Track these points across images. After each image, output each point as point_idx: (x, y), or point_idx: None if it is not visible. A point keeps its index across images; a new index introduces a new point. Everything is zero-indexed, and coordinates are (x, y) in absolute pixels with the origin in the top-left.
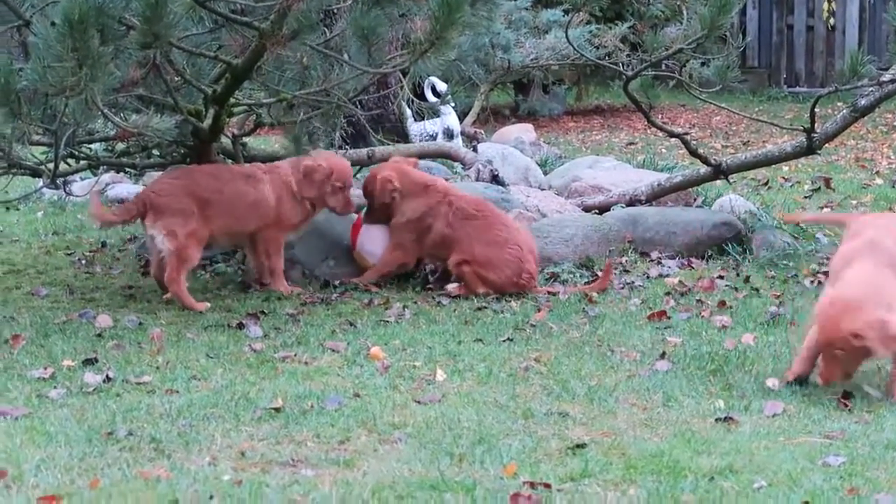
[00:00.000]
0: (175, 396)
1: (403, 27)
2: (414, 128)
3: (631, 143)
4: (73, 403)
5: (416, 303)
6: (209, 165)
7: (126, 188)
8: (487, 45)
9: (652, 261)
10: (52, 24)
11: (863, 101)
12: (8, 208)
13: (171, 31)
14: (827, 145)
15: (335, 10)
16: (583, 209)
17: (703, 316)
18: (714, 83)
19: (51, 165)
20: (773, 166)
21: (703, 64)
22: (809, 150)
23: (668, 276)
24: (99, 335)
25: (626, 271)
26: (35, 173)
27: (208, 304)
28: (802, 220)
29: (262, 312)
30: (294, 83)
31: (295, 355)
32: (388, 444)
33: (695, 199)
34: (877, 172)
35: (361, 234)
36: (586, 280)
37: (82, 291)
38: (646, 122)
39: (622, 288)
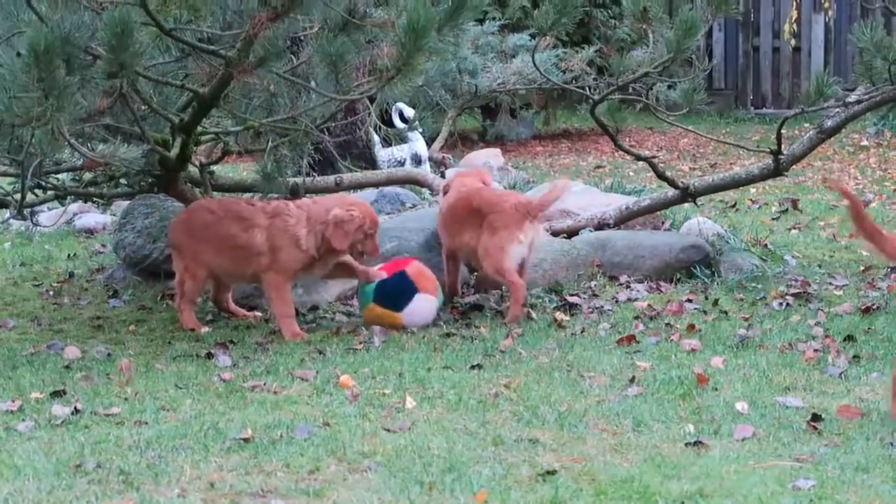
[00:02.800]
0: (144, 428)
1: (370, 53)
2: (382, 154)
3: (599, 167)
4: (41, 436)
5: (384, 330)
6: None
7: (94, 218)
8: (454, 71)
9: (620, 285)
10: (18, 54)
11: (829, 123)
12: None
13: (137, 61)
14: (794, 166)
15: (302, 38)
16: (551, 234)
17: (672, 340)
18: (680, 106)
19: (17, 196)
20: (741, 188)
21: (669, 87)
22: (776, 171)
23: (636, 300)
24: (67, 367)
25: (595, 296)
26: (2, 204)
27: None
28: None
29: (231, 342)
30: (261, 111)
31: (264, 384)
32: (358, 473)
33: (663, 223)
34: None
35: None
36: (555, 305)
37: (50, 323)
38: (613, 146)
39: (591, 313)
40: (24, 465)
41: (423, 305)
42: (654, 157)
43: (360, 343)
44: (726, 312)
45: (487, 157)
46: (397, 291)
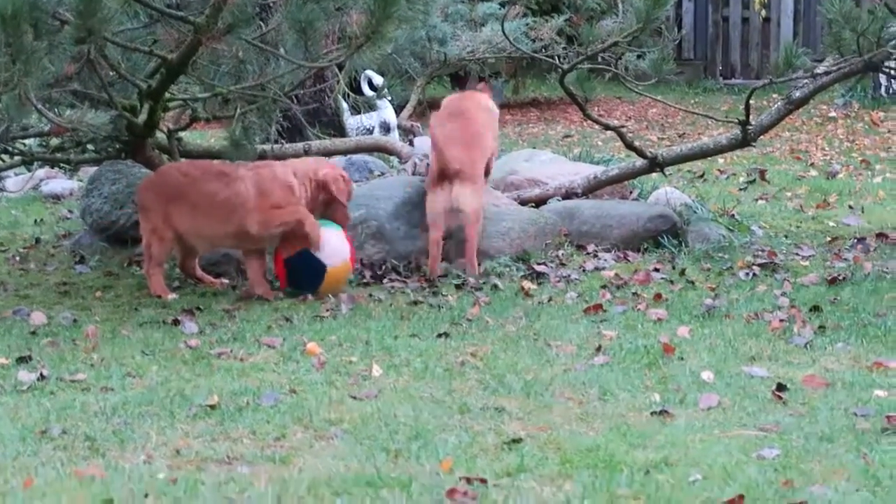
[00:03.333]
0: (110, 394)
1: (340, 21)
2: (350, 122)
3: (567, 136)
4: (7, 402)
5: (351, 297)
6: None
7: (61, 184)
8: (424, 39)
9: (588, 254)
10: None
11: (797, 93)
12: None
13: (105, 26)
14: (762, 137)
15: (271, 4)
16: (519, 203)
17: (638, 309)
18: (649, 76)
19: None
20: (709, 158)
21: (638, 56)
22: (744, 142)
23: (604, 269)
24: (33, 333)
25: (563, 265)
26: None
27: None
28: None
29: (198, 308)
30: (230, 77)
31: (231, 351)
32: (324, 441)
33: (631, 192)
34: (811, 164)
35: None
36: (523, 274)
37: (16, 288)
38: (582, 115)
39: (558, 282)
40: None
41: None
42: (622, 126)
43: (328, 311)
44: (693, 282)
45: None
46: (305, 268)
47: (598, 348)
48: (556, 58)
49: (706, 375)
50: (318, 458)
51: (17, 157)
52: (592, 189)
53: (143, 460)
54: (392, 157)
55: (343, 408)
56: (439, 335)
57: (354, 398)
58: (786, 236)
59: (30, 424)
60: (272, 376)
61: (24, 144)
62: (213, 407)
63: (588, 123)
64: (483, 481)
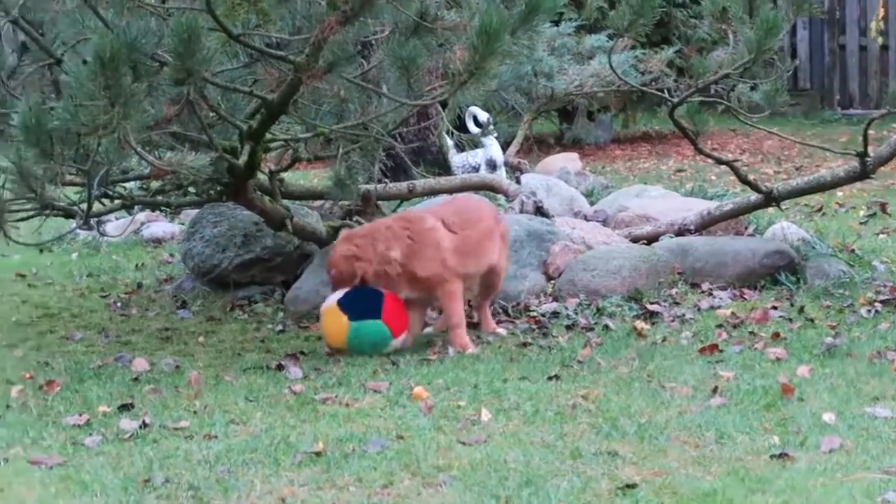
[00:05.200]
0: (213, 442)
1: (443, 57)
2: (456, 159)
3: (680, 171)
4: (109, 451)
5: None
6: None
7: (162, 227)
8: (530, 73)
9: (703, 292)
10: (84, 61)
11: None
12: (41, 250)
13: (204, 67)
14: (883, 169)
15: (372, 42)
16: (630, 240)
17: (756, 348)
18: (763, 108)
19: (84, 206)
20: (827, 192)
21: (752, 88)
22: (863, 174)
23: (719, 307)
24: (135, 379)
25: (676, 303)
26: (68, 214)
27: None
28: None
29: (302, 353)
30: (331, 117)
31: (336, 397)
32: (433, 488)
33: (746, 228)
34: None
35: None
36: (635, 313)
37: (118, 334)
38: (694, 149)
39: (672, 321)
40: (92, 480)
41: None
42: (736, 160)
43: (434, 354)
44: (812, 320)
45: (564, 162)
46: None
47: (715, 389)
48: (667, 91)
49: (827, 417)
50: None
51: (117, 201)
52: (706, 225)
53: None
54: (499, 196)
55: (451, 454)
56: (550, 378)
57: (463, 443)
58: None
59: (132, 473)
60: (378, 422)
61: (125, 188)
62: (318, 454)
63: (701, 158)
64: None
